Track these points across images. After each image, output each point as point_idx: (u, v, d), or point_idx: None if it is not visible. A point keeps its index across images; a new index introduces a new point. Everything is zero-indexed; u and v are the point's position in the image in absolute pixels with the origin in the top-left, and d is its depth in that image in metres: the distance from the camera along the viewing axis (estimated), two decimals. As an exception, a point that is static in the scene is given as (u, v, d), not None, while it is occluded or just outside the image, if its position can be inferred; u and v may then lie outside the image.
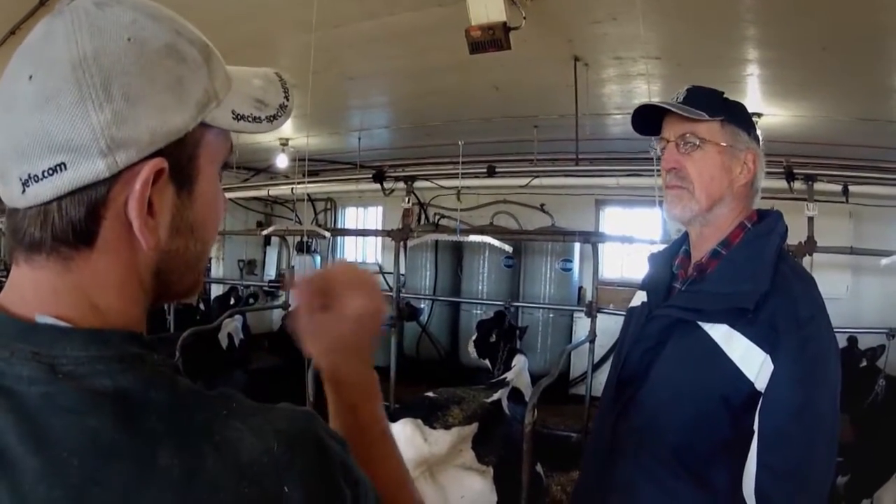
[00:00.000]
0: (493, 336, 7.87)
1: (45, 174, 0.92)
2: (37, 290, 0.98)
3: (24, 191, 0.93)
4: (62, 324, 0.95)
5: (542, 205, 12.33)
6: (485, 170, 9.26)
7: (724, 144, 2.26)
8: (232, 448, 0.94)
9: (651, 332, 2.34)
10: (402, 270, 9.54)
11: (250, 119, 1.10)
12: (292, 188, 11.37)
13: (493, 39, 4.78)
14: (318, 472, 1.01)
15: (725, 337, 2.11)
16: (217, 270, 15.35)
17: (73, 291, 0.98)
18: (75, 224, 0.95)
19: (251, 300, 11.76)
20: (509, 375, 6.87)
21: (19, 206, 0.96)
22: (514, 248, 10.45)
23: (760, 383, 2.03)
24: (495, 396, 6.14)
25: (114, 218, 0.97)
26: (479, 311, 11.30)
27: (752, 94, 6.87)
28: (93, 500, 0.85)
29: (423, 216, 13.70)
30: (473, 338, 8.11)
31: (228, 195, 12.88)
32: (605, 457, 2.40)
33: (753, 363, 2.05)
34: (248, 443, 0.96)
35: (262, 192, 12.46)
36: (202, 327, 8.69)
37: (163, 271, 1.06)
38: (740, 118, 2.31)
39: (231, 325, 9.70)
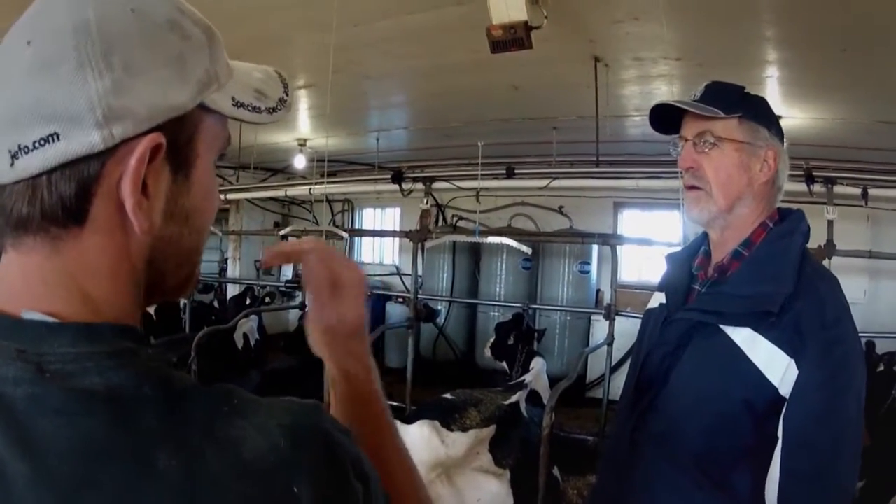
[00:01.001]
0: (512, 338, 7.85)
1: (37, 145, 0.87)
2: (25, 280, 0.92)
3: (12, 163, 0.88)
4: (50, 319, 0.90)
5: (561, 207, 12.31)
6: (504, 171, 9.24)
7: (742, 141, 2.18)
8: (235, 446, 0.89)
9: (670, 336, 2.28)
10: (420, 272, 9.52)
11: (250, 108, 1.07)
12: (310, 188, 11.36)
13: (514, 38, 4.75)
14: (328, 469, 0.95)
15: (748, 340, 2.04)
16: (234, 271, 15.41)
17: (62, 278, 0.92)
18: (65, 200, 0.90)
19: (267, 300, 11.75)
20: (527, 378, 6.85)
21: (6, 180, 0.90)
22: (532, 250, 10.44)
23: (784, 388, 1.97)
24: (513, 399, 6.11)
25: (106, 196, 0.92)
26: (496, 314, 11.28)
27: (772, 96, 6.77)
28: None
29: (441, 218, 13.69)
30: (490, 341, 8.10)
31: (246, 195, 13.04)
32: (623, 463, 2.34)
33: (777, 368, 1.99)
34: (252, 440, 0.90)
35: (280, 193, 12.48)
36: (217, 327, 8.71)
37: (156, 260, 1.01)
38: (760, 114, 2.23)
39: (246, 326, 9.73)
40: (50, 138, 0.87)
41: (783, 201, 2.34)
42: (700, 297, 2.31)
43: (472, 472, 5.00)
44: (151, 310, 10.62)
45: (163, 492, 0.82)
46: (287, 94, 1.15)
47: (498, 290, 12.09)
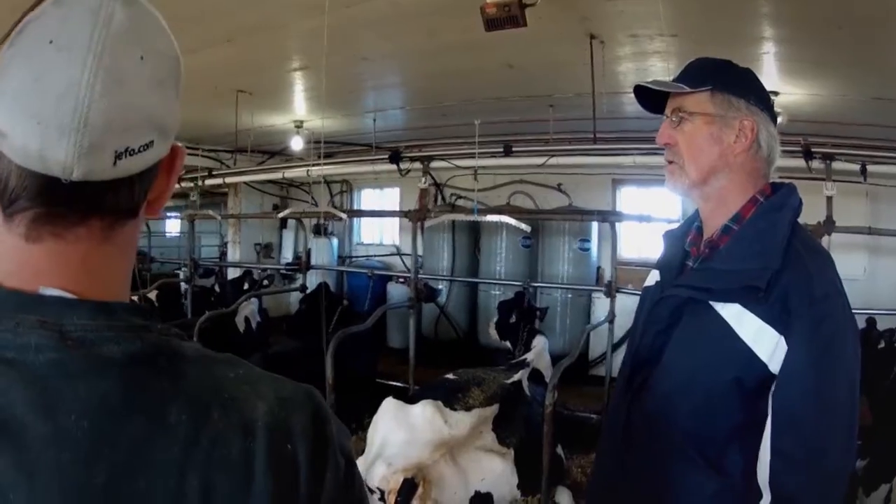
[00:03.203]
0: (514, 317, 7.85)
1: (141, 149, 1.00)
2: (57, 264, 1.00)
3: (115, 163, 0.97)
4: (68, 295, 0.98)
5: (559, 185, 12.31)
6: (501, 149, 9.22)
7: (712, 114, 2.17)
8: (238, 407, 1.02)
9: (662, 314, 2.27)
10: (420, 252, 9.54)
11: None
12: (307, 170, 11.34)
13: (509, 16, 4.74)
14: (316, 436, 1.08)
15: (737, 317, 2.04)
16: (234, 254, 15.44)
17: (98, 263, 1.03)
18: (138, 196, 1.06)
19: (265, 283, 11.75)
20: (529, 356, 6.85)
21: (101, 177, 0.97)
22: (531, 229, 10.45)
23: (775, 365, 1.97)
24: (515, 377, 6.12)
25: (149, 191, 1.09)
26: (497, 292, 11.33)
27: (769, 73, 6.79)
28: (102, 461, 0.90)
29: (439, 197, 13.68)
30: (494, 320, 8.10)
31: (244, 178, 13.04)
32: (619, 441, 2.35)
33: (767, 344, 1.98)
34: (252, 403, 1.04)
35: (278, 175, 12.48)
36: (219, 311, 8.74)
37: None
38: (735, 85, 2.21)
39: (248, 309, 9.72)
40: (149, 144, 1.01)
41: (781, 177, 2.33)
42: (690, 273, 2.31)
43: (476, 451, 5.02)
44: (153, 295, 10.65)
45: (173, 443, 0.95)
46: None
47: (498, 268, 12.12)
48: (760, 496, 1.96)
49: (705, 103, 2.19)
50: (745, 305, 2.03)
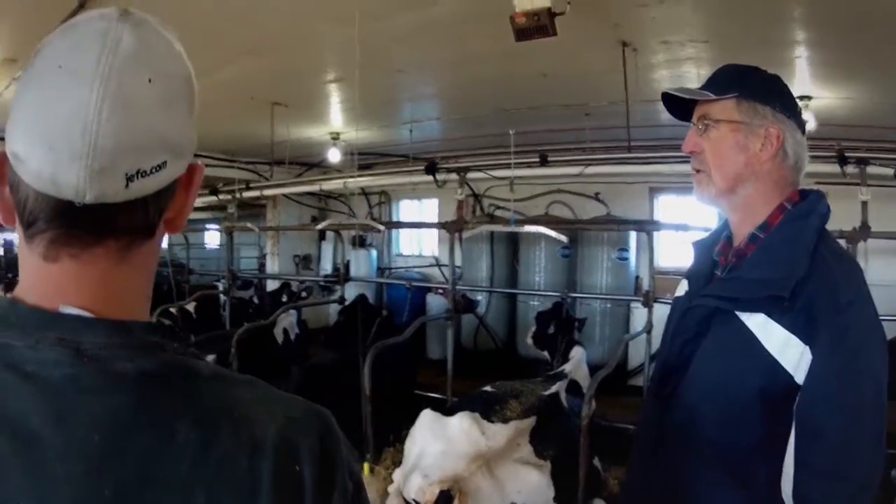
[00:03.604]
0: (552, 328, 7.81)
1: (153, 170, 1.02)
2: (77, 284, 1.04)
3: (127, 185, 1.00)
4: (86, 314, 1.02)
5: (597, 193, 12.26)
6: (537, 159, 9.20)
7: (738, 121, 2.15)
8: (249, 426, 1.04)
9: (689, 324, 2.25)
10: (458, 262, 9.51)
11: None
12: (344, 182, 11.37)
13: (538, 26, 4.73)
14: (324, 459, 1.09)
15: (762, 327, 2.01)
16: (272, 266, 15.50)
17: (119, 282, 1.07)
18: (154, 216, 1.08)
19: (303, 295, 11.78)
20: (567, 367, 6.81)
21: (114, 199, 1.00)
22: (570, 238, 10.40)
23: (800, 376, 1.93)
24: (553, 389, 6.08)
25: (167, 210, 1.11)
26: (535, 303, 11.25)
27: (802, 77, 6.74)
28: (111, 473, 0.93)
29: (477, 207, 13.67)
30: (532, 330, 8.07)
31: (281, 191, 13.11)
32: (649, 451, 2.34)
33: (792, 354, 1.94)
34: (264, 424, 1.05)
35: (315, 188, 12.52)
36: (257, 323, 8.77)
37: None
38: (760, 92, 2.18)
39: (286, 321, 9.76)
40: (162, 165, 1.03)
41: (818, 182, 2.29)
42: (717, 282, 2.28)
43: (513, 463, 4.99)
44: (191, 307, 10.73)
45: (181, 458, 0.97)
46: None
47: (537, 279, 12.09)
48: None
49: (731, 110, 2.17)
50: (770, 315, 2.00)
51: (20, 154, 0.99)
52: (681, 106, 2.33)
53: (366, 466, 5.03)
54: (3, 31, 6.33)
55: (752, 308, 2.04)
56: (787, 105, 2.19)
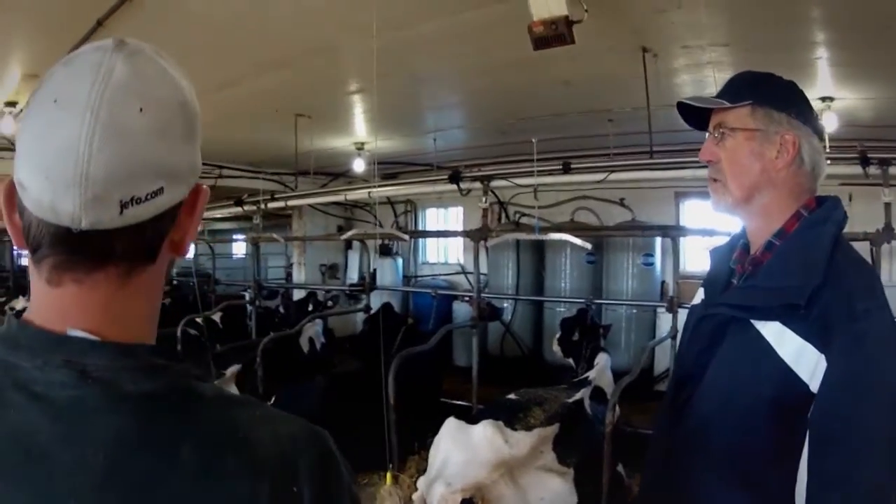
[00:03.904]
0: (576, 334, 7.79)
1: (148, 197, 1.04)
2: (82, 308, 1.07)
3: (122, 212, 1.03)
4: (92, 337, 1.05)
5: (622, 199, 12.24)
6: (560, 166, 9.20)
7: (753, 129, 2.13)
8: (250, 447, 1.07)
9: (704, 332, 2.23)
10: (484, 270, 9.49)
11: None
12: (369, 192, 11.41)
13: (556, 34, 4.73)
14: (324, 479, 1.12)
15: (777, 335, 1.96)
16: (299, 275, 15.57)
17: (122, 306, 1.10)
18: (154, 241, 1.11)
19: (329, 304, 11.81)
20: (591, 374, 6.79)
21: (110, 226, 1.03)
22: (595, 245, 10.36)
23: (815, 384, 1.88)
24: (577, 396, 6.06)
25: (171, 234, 1.14)
26: (562, 309, 11.21)
27: (823, 78, 6.71)
28: (115, 490, 0.97)
29: (503, 215, 13.67)
30: (557, 336, 8.06)
31: (306, 201, 13.15)
32: (662, 461, 2.31)
33: (807, 363, 1.89)
34: (265, 445, 1.08)
35: (339, 198, 12.55)
36: (282, 333, 8.81)
37: (168, 275, 1.24)
38: (775, 99, 2.15)
39: (312, 330, 9.79)
40: (158, 191, 1.06)
41: (842, 184, 2.27)
42: (732, 291, 2.25)
43: (536, 471, 4.99)
44: (217, 317, 10.77)
45: (183, 477, 1.00)
46: None
47: (563, 285, 12.08)
48: None
49: (746, 118, 2.14)
50: (785, 323, 1.96)
51: (24, 182, 1.04)
52: (697, 115, 2.30)
53: (388, 476, 5.02)
54: (24, 47, 6.43)
55: (768, 316, 2.01)
56: (802, 111, 2.16)
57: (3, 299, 13.47)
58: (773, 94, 2.17)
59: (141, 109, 1.04)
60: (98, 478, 0.97)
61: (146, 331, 1.15)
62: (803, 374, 1.90)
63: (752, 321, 2.04)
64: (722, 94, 2.21)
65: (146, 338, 1.14)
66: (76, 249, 1.05)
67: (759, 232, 2.21)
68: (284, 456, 1.09)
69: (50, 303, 1.08)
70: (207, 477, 1.01)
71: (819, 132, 2.18)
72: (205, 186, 1.19)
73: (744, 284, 2.21)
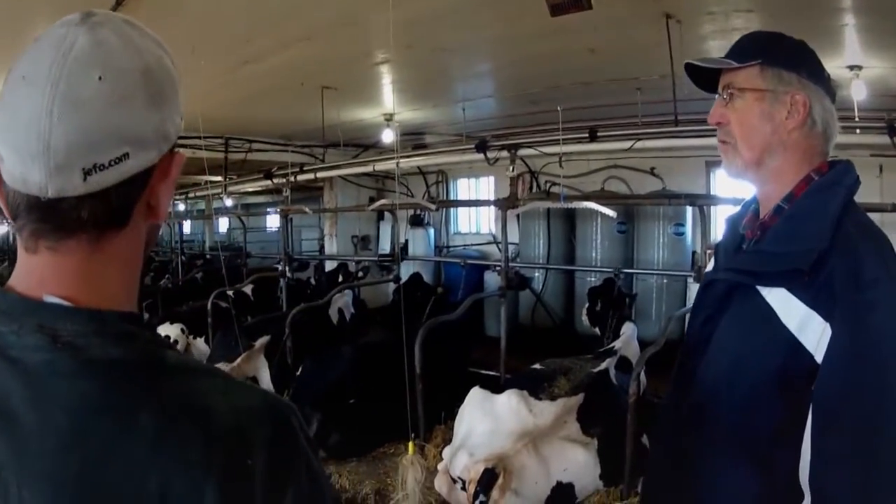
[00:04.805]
0: (600, 304, 7.78)
1: (112, 163, 1.08)
2: (57, 274, 1.12)
3: (85, 179, 1.06)
4: (66, 303, 1.10)
5: (653, 168, 12.12)
6: (586, 135, 9.14)
7: (763, 90, 2.05)
8: (207, 417, 1.09)
9: (710, 299, 2.18)
10: (514, 239, 9.45)
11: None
12: (396, 163, 11.41)
13: (573, 0, 4.69)
14: (280, 449, 1.14)
15: (783, 302, 1.91)
16: (331, 247, 15.63)
17: (96, 272, 1.14)
18: (122, 206, 1.13)
19: (360, 275, 11.86)
20: (617, 344, 6.78)
21: (74, 193, 1.07)
22: (626, 214, 10.28)
23: (821, 356, 1.80)
24: (602, 366, 6.07)
25: (144, 200, 1.17)
26: (592, 279, 11.14)
27: (851, 45, 6.55)
28: (77, 452, 1.01)
29: (534, 184, 13.62)
30: (586, 307, 8.05)
31: (334, 173, 13.19)
32: (669, 432, 2.28)
33: (813, 333, 1.82)
34: (222, 416, 1.11)
35: (367, 169, 12.57)
36: (311, 304, 8.87)
37: (149, 243, 1.27)
38: (785, 59, 2.08)
39: (341, 301, 9.89)
40: (123, 157, 1.09)
41: (872, 155, 2.20)
42: (738, 256, 2.20)
43: (560, 441, 5.00)
44: (248, 289, 10.87)
45: (140, 443, 1.03)
46: None
47: (594, 255, 12.00)
48: (803, 496, 1.83)
49: (755, 78, 2.07)
50: (791, 290, 1.90)
51: (2, 156, 1.09)
52: (707, 78, 2.23)
53: (411, 445, 5.03)
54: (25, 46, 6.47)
55: (773, 282, 1.95)
56: (813, 71, 2.08)
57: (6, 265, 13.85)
58: (782, 53, 2.10)
59: (100, 78, 1.07)
60: (63, 438, 1.01)
61: (122, 297, 1.18)
62: (808, 344, 1.84)
63: (758, 287, 1.99)
64: (730, 55, 2.14)
65: (122, 304, 1.17)
66: (46, 217, 1.09)
67: (769, 196, 2.14)
68: (241, 427, 1.11)
69: (29, 270, 1.13)
70: (162, 443, 1.04)
71: (832, 93, 2.11)
72: (180, 151, 1.23)
73: (752, 249, 2.16)
